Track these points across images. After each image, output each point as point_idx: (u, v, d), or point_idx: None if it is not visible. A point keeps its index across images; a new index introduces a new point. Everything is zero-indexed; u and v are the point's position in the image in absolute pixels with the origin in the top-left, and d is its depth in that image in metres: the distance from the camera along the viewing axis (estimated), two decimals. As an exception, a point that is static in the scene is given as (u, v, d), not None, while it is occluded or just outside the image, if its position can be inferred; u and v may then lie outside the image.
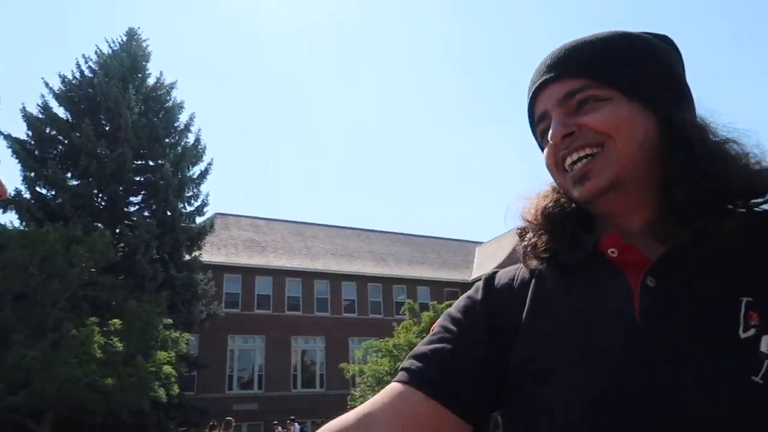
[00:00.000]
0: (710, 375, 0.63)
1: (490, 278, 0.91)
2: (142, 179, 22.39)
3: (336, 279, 29.65)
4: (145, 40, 24.48)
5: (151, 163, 22.82)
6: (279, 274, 28.24)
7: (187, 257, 21.88)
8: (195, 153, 23.55)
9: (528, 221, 0.87)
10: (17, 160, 19.36)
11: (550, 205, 0.85)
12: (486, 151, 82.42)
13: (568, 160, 0.79)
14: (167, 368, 16.56)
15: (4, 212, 18.68)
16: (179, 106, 24.10)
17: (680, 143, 0.74)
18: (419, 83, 78.07)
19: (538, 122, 0.85)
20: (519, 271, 0.89)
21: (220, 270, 25.87)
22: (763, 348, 0.63)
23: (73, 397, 14.13)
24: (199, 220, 23.57)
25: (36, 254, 14.56)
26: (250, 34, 71.72)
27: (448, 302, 22.74)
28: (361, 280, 30.36)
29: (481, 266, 34.52)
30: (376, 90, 78.42)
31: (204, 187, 27.60)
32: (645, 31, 0.86)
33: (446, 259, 35.44)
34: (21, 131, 20.26)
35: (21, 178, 19.05)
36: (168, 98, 24.09)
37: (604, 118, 0.76)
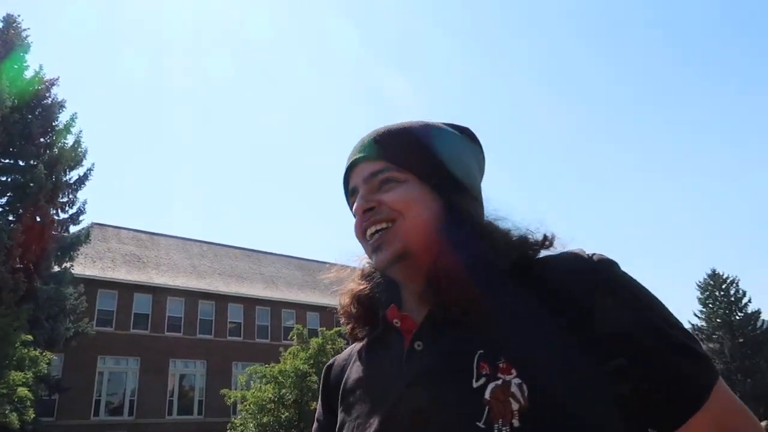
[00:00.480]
0: (449, 426, 0.76)
1: (328, 366, 1.10)
2: (8, 179, 20.24)
3: (222, 300, 28.32)
4: (25, 30, 22.45)
5: (21, 162, 20.70)
6: (160, 292, 26.47)
7: (57, 269, 19.91)
8: (73, 156, 21.67)
9: (342, 313, 1.04)
10: None
11: (362, 290, 1.01)
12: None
13: (369, 231, 0.93)
14: (22, 390, 14.74)
15: None
16: (60, 105, 22.19)
17: (455, 222, 0.89)
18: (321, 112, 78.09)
19: (350, 195, 0.99)
20: (353, 349, 1.07)
21: (94, 284, 23.79)
22: (486, 395, 0.74)
23: None
24: (73, 229, 21.62)
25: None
26: (152, 35, 68.23)
27: (337, 329, 22.46)
28: (249, 302, 29.24)
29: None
30: (282, 106, 77.38)
31: (82, 194, 25.25)
32: (450, 122, 1.02)
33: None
34: None
35: None
36: (48, 95, 22.14)
37: (398, 196, 0.91)
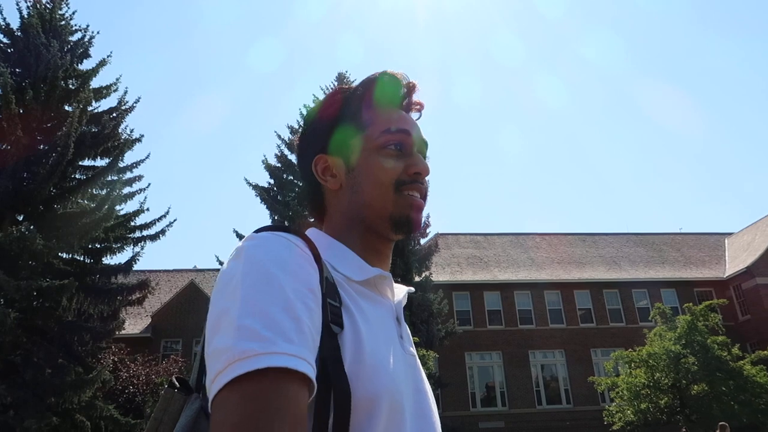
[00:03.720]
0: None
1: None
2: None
3: (567, 288, 28.01)
4: (352, 81, 26.24)
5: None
6: (506, 288, 27.61)
7: (417, 278, 22.45)
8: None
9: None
10: (264, 206, 21.92)
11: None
12: (721, 129, 72.81)
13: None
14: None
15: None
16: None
17: None
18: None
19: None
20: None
21: (448, 288, 26.12)
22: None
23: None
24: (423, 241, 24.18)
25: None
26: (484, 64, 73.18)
27: (707, 302, 19.96)
28: (595, 286, 28.24)
29: (736, 260, 29.94)
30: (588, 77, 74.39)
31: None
32: None
33: (690, 257, 31.45)
34: (264, 179, 22.95)
35: (270, 221, 21.41)
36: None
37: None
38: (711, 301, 20.02)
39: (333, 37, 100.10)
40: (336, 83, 25.93)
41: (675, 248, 32.36)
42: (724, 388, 17.84)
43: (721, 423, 13.21)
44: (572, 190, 71.09)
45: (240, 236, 20.96)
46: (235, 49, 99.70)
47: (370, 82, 0.97)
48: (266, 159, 22.97)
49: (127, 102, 18.74)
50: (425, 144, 0.99)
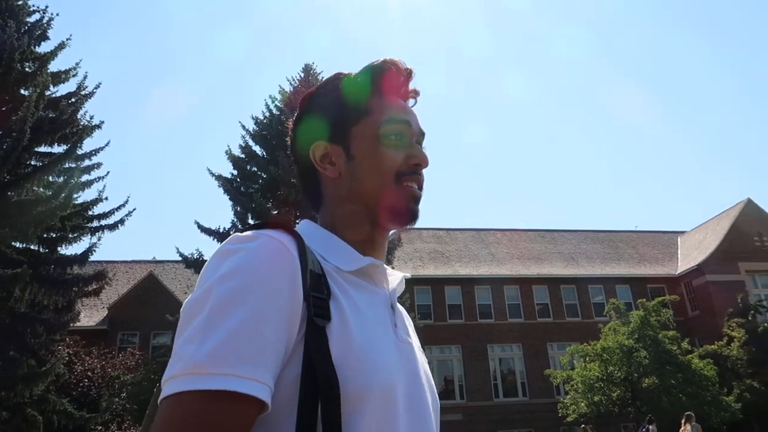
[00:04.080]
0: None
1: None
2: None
3: (525, 283, 28.60)
4: (319, 73, 26.03)
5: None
6: (467, 283, 27.99)
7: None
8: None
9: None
10: (228, 197, 21.63)
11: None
12: (670, 141, 75.16)
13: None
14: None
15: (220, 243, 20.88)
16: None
17: None
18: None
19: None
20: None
21: (410, 282, 26.32)
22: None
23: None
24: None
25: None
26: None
27: (659, 299, 20.70)
28: (553, 282, 28.92)
29: (687, 258, 31.09)
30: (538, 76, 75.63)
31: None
32: None
33: (644, 254, 32.49)
34: (227, 170, 22.64)
35: (232, 212, 21.16)
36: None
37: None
38: (663, 298, 20.80)
39: (301, 27, 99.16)
40: (303, 75, 25.75)
41: (630, 245, 33.37)
42: (673, 381, 18.57)
43: (687, 413, 13.85)
44: (533, 186, 72.41)
45: (201, 228, 20.66)
46: (201, 36, 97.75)
47: (370, 69, 0.96)
48: (230, 149, 22.64)
49: (86, 87, 18.19)
50: (423, 134, 0.99)
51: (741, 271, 28.66)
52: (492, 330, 27.42)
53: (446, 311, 27.32)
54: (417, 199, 0.93)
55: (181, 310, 0.76)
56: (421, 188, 0.95)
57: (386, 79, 0.96)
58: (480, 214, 77.10)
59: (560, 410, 20.75)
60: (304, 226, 0.93)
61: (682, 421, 13.15)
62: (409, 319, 1.01)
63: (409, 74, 0.98)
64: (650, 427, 15.28)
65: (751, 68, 72.57)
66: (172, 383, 0.67)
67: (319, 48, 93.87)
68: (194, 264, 20.16)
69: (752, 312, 24.90)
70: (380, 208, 0.92)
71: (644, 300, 20.93)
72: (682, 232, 34.65)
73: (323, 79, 1.02)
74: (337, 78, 0.99)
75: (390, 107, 0.95)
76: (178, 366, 0.68)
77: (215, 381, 0.65)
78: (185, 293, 27.08)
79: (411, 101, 1.01)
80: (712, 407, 18.33)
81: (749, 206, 30.64)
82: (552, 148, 73.44)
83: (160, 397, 0.68)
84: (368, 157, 0.92)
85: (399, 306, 0.97)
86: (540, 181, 72.82)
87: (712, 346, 22.76)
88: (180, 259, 20.24)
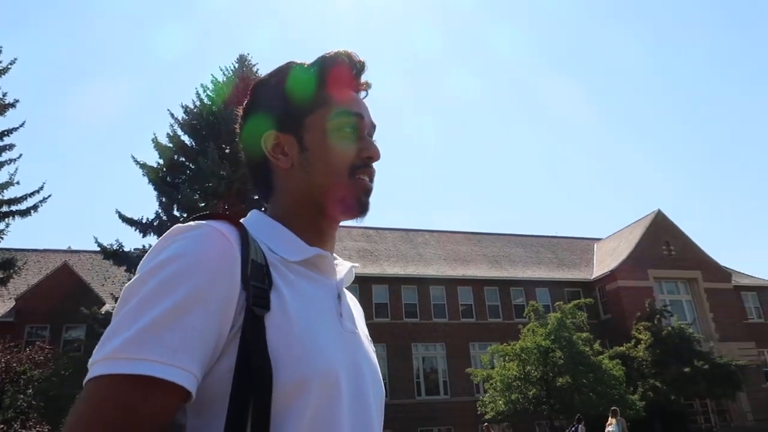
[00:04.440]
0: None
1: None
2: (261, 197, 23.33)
3: (451, 284, 29.25)
4: (255, 65, 25.64)
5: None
6: (394, 282, 28.31)
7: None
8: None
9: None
10: (152, 187, 20.83)
11: None
12: (596, 147, 78.85)
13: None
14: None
15: (144, 236, 20.11)
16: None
17: None
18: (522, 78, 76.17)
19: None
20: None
21: (338, 280, 26.27)
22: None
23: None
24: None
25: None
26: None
27: (575, 301, 21.72)
28: (477, 283, 29.74)
29: (602, 263, 32.78)
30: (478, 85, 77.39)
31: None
32: None
33: (563, 259, 34.00)
34: (153, 159, 21.81)
35: (157, 202, 20.42)
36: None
37: None
38: (579, 301, 21.83)
39: (245, 23, 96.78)
40: (237, 65, 25.20)
41: (550, 250, 34.82)
42: (584, 381, 19.53)
43: (612, 408, 14.68)
44: (463, 189, 74.05)
45: (123, 218, 19.82)
46: (139, 29, 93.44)
47: (324, 60, 0.95)
48: (156, 138, 21.81)
49: (0, 62, 17.07)
50: (374, 127, 1.00)
51: (650, 277, 30.55)
52: (417, 329, 27.87)
53: (373, 309, 27.51)
54: (368, 192, 0.94)
55: (119, 297, 0.76)
56: (372, 181, 0.96)
57: (340, 71, 0.95)
58: (409, 215, 78.09)
59: (479, 408, 21.38)
60: (251, 217, 0.93)
61: (609, 416, 14.06)
62: (360, 308, 1.02)
63: (361, 66, 0.98)
64: (579, 426, 16.10)
65: (684, 79, 77.33)
66: (95, 367, 0.68)
67: (264, 45, 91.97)
68: (113, 255, 19.32)
69: (658, 316, 26.60)
70: (333, 200, 0.92)
71: (561, 303, 21.93)
72: (599, 239, 36.51)
73: (276, 68, 0.99)
74: (289, 67, 0.97)
75: (343, 99, 0.95)
76: (103, 351, 0.69)
77: (132, 365, 0.66)
78: (102, 285, 25.87)
79: (362, 93, 1.00)
80: (618, 405, 19.42)
81: (659, 217, 32.71)
82: (482, 153, 75.46)
83: (85, 380, 0.69)
84: (322, 149, 0.92)
85: (349, 296, 0.98)
86: (470, 184, 74.62)
87: (621, 348, 24.14)
88: (98, 249, 19.33)
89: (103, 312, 20.40)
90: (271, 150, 0.93)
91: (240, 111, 1.00)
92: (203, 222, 0.78)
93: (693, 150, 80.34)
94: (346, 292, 0.97)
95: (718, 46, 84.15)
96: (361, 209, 0.94)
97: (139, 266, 0.76)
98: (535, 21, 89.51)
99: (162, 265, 0.73)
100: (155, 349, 0.67)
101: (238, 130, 1.01)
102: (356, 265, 1.00)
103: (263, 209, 1.00)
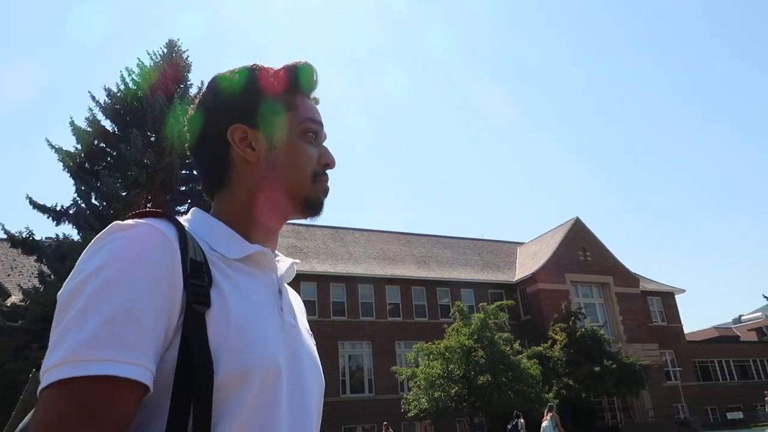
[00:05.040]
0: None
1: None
2: (186, 188, 22.53)
3: (379, 283, 29.43)
4: (185, 51, 24.72)
5: (195, 172, 22.94)
6: (322, 280, 28.16)
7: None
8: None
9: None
10: (68, 173, 19.65)
11: None
12: (522, 152, 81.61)
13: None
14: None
15: (57, 224, 18.94)
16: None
17: None
18: (454, 87, 77.58)
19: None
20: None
21: (265, 277, 25.83)
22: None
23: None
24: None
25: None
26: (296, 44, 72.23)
27: (498, 303, 22.42)
28: (405, 283, 30.08)
29: (524, 267, 33.99)
30: (403, 90, 78.11)
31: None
32: None
33: (488, 261, 34.99)
34: (70, 144, 20.58)
35: (74, 190, 19.29)
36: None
37: None
38: (501, 302, 22.55)
39: (174, 6, 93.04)
40: (166, 50, 24.24)
41: (476, 252, 35.74)
42: (504, 379, 20.20)
43: (549, 404, 15.20)
44: (394, 188, 74.66)
45: (34, 204, 18.56)
46: (59, 10, 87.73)
47: (293, 68, 1.00)
48: (74, 121, 20.55)
49: None
50: (326, 137, 1.05)
51: (567, 281, 32.00)
52: (344, 327, 27.85)
53: (300, 307, 27.23)
54: (327, 193, 0.99)
55: (57, 302, 0.74)
56: (328, 181, 1.00)
57: (307, 81, 1.01)
58: (340, 213, 77.92)
59: (403, 406, 21.64)
60: (192, 216, 0.93)
61: (545, 411, 14.65)
62: (301, 304, 1.05)
63: (318, 80, 1.03)
64: (519, 420, 16.62)
65: (605, 93, 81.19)
66: (51, 373, 0.66)
67: (194, 33, 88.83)
68: (22, 243, 18.07)
69: (573, 318, 27.92)
70: (295, 198, 0.96)
71: (485, 304, 22.58)
72: (522, 243, 37.84)
73: (240, 67, 1.01)
74: (257, 68, 1.00)
75: (308, 107, 1.00)
76: (56, 356, 0.67)
77: (95, 366, 0.66)
78: (8, 275, 24.19)
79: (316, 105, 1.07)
80: (535, 403, 20.22)
81: (577, 224, 34.34)
82: (414, 154, 76.39)
83: (39, 389, 0.67)
84: (291, 148, 0.96)
85: (290, 291, 1.01)
86: (401, 184, 75.33)
87: (539, 348, 25.15)
88: (5, 237, 18.03)
89: (8, 304, 19.06)
90: (238, 142, 0.94)
91: (196, 100, 1.02)
92: (142, 220, 0.79)
93: (611, 162, 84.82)
94: (288, 287, 1.00)
95: (639, 62, 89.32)
96: (320, 208, 0.98)
97: (76, 267, 0.76)
98: (467, 23, 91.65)
99: (105, 265, 0.73)
100: (115, 349, 0.68)
101: (187, 118, 1.01)
102: (297, 261, 1.03)
103: (203, 203, 1.02)
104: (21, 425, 0.79)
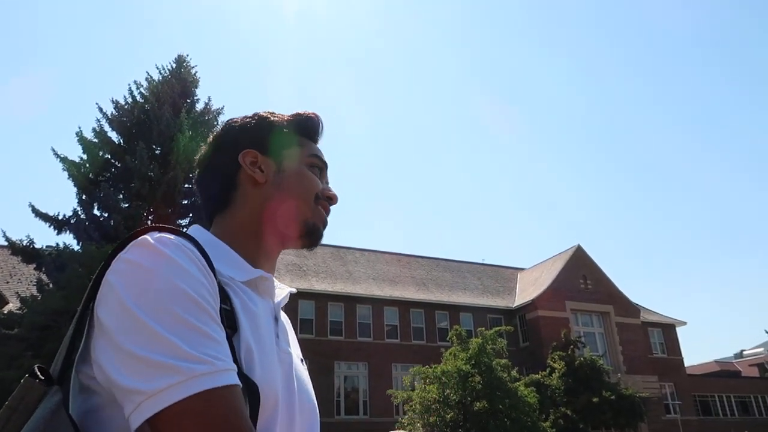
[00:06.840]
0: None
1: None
2: (188, 202, 22.58)
3: (378, 304, 29.28)
4: (193, 67, 24.98)
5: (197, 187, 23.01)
6: (321, 299, 28.03)
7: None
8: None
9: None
10: (72, 182, 19.72)
11: None
12: (525, 178, 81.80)
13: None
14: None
15: (58, 233, 18.94)
16: (227, 131, 24.37)
17: None
18: (454, 110, 78.12)
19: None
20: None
21: (263, 293, 25.71)
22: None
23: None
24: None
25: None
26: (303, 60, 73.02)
27: (496, 328, 22.24)
28: (404, 305, 29.92)
29: (524, 293, 33.83)
30: (412, 112, 78.70)
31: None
32: None
33: (488, 286, 34.84)
34: (76, 154, 20.69)
35: (76, 199, 19.34)
36: (216, 123, 24.38)
37: None
38: (500, 328, 22.37)
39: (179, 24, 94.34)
40: (174, 65, 24.49)
41: (476, 276, 35.60)
42: (500, 406, 19.94)
43: None
44: (396, 211, 74.73)
45: (36, 212, 18.61)
46: (71, 18, 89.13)
47: (303, 115, 1.10)
48: (81, 131, 20.70)
49: None
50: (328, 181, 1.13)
51: (567, 308, 31.80)
52: (341, 347, 27.63)
53: (298, 325, 27.07)
54: (325, 224, 1.04)
55: (103, 316, 0.73)
56: (328, 216, 1.06)
57: (315, 130, 1.10)
58: (341, 233, 77.95)
59: (397, 429, 21.33)
60: (197, 234, 0.92)
61: None
62: (293, 330, 1.06)
63: (323, 129, 1.12)
64: None
65: (608, 120, 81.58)
66: (170, 394, 0.66)
67: (196, 41, 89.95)
68: (22, 251, 18.07)
69: (572, 347, 27.67)
70: (297, 222, 1.00)
71: (483, 329, 22.38)
72: (522, 269, 37.71)
73: (252, 114, 1.10)
74: (271, 115, 1.09)
75: (317, 148, 1.09)
76: (165, 379, 0.66)
77: (227, 376, 0.70)
78: (7, 283, 24.15)
79: None
80: (532, 431, 19.94)
81: (578, 251, 34.24)
82: (417, 177, 76.60)
83: (157, 409, 0.65)
84: (298, 173, 1.02)
85: (284, 316, 1.02)
86: (404, 206, 75.43)
87: (537, 376, 24.88)
88: (6, 244, 18.04)
89: (5, 312, 18.97)
90: (249, 164, 0.99)
91: (215, 132, 1.10)
92: (171, 236, 0.79)
93: (615, 192, 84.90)
94: (282, 313, 1.01)
95: (647, 92, 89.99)
96: (318, 237, 1.03)
97: (126, 281, 0.73)
98: (471, 43, 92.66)
99: (161, 277, 0.72)
100: (228, 360, 0.71)
101: (204, 143, 1.08)
102: (293, 290, 1.06)
103: (203, 222, 1.07)
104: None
